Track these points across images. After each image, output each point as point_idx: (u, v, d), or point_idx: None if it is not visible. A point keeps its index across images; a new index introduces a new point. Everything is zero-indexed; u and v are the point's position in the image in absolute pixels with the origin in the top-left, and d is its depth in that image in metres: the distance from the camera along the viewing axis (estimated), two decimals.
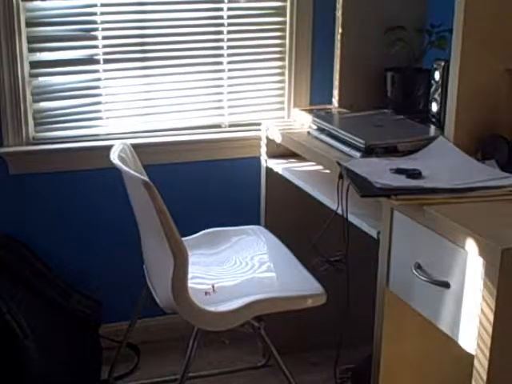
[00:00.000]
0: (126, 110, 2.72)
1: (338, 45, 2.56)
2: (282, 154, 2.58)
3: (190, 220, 2.52)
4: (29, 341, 2.25)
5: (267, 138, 2.63)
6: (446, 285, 1.61)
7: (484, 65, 2.00)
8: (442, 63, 2.23)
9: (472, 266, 1.52)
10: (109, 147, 2.21)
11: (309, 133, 2.41)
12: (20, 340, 2.23)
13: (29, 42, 2.53)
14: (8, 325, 2.23)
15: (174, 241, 1.96)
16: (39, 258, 2.59)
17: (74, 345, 2.50)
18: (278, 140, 2.53)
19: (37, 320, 2.36)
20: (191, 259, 2.05)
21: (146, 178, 1.97)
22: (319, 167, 2.38)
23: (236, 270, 2.37)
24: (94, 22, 2.59)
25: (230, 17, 2.73)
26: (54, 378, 2.30)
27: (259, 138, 2.69)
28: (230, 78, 2.80)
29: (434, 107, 2.28)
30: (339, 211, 2.01)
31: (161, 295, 2.17)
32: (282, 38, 2.81)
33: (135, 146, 2.36)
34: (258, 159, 2.72)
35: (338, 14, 2.53)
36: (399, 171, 1.86)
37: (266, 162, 2.65)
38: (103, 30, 2.60)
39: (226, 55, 2.77)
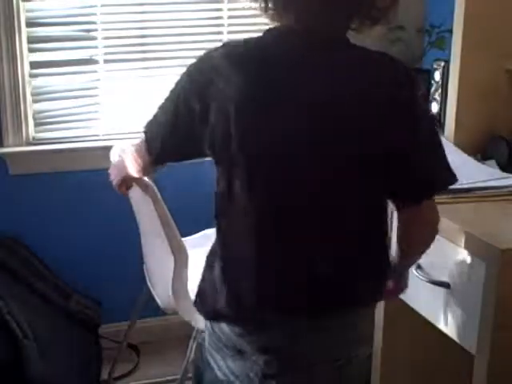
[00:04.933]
0: (125, 110, 2.71)
1: None
2: None
3: (190, 220, 2.52)
4: (29, 341, 2.25)
5: None
6: (446, 285, 1.61)
7: (484, 65, 2.00)
8: (442, 63, 2.23)
9: (472, 266, 1.52)
10: (109, 147, 2.21)
11: None
12: (20, 340, 2.23)
13: (29, 41, 2.52)
14: (8, 325, 2.23)
15: (174, 241, 1.96)
16: (39, 259, 2.59)
17: (74, 345, 2.50)
18: None
19: (37, 320, 2.36)
20: (191, 259, 2.05)
21: (145, 178, 1.97)
22: None
23: None
24: (94, 23, 2.59)
25: (230, 17, 2.73)
26: (53, 378, 2.30)
27: None
28: None
29: (434, 107, 2.28)
30: None
31: (161, 295, 2.17)
32: None
33: None
34: None
35: None
36: None
37: None
38: (103, 30, 2.60)
39: None
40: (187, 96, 1.37)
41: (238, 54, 1.35)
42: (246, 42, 1.37)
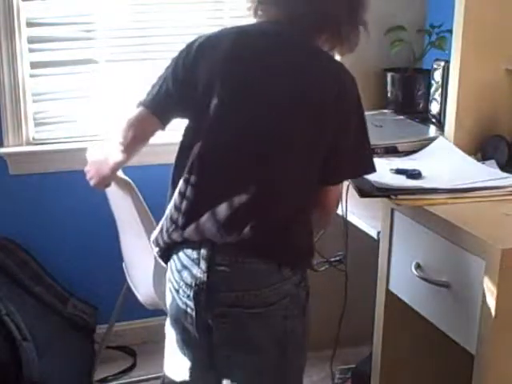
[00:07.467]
0: (125, 110, 2.71)
1: None
2: None
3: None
4: (27, 342, 2.25)
5: None
6: (446, 285, 1.61)
7: (484, 65, 2.00)
8: (442, 63, 2.23)
9: (472, 266, 1.52)
10: None
11: None
12: (18, 341, 2.23)
13: (29, 42, 2.53)
14: (6, 326, 2.23)
15: None
16: (37, 261, 2.59)
17: (70, 347, 2.51)
18: None
19: (34, 322, 2.36)
20: None
21: (124, 177, 1.98)
22: None
23: None
24: (94, 23, 2.59)
25: (231, 17, 2.73)
26: (51, 379, 2.30)
27: None
28: None
29: (434, 107, 2.28)
30: (339, 211, 2.01)
31: (142, 292, 2.19)
32: None
33: None
34: None
35: None
36: (399, 171, 1.86)
37: None
38: (103, 30, 2.60)
39: None
40: (185, 61, 1.65)
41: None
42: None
